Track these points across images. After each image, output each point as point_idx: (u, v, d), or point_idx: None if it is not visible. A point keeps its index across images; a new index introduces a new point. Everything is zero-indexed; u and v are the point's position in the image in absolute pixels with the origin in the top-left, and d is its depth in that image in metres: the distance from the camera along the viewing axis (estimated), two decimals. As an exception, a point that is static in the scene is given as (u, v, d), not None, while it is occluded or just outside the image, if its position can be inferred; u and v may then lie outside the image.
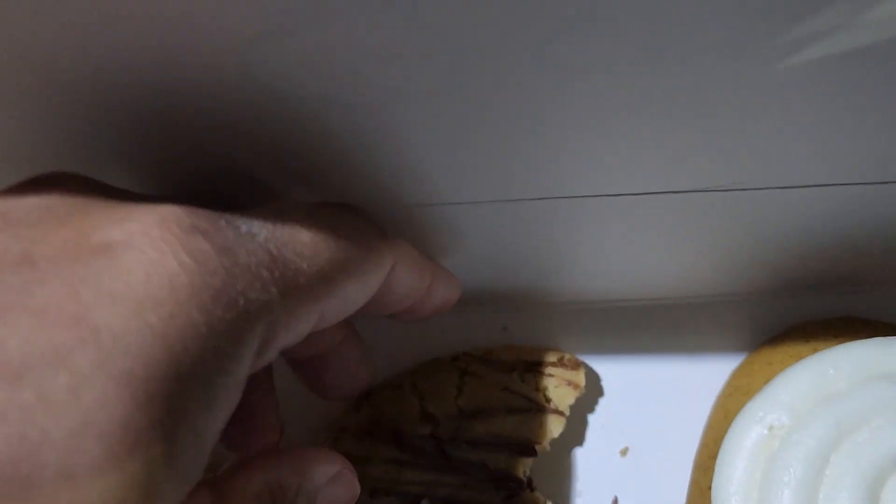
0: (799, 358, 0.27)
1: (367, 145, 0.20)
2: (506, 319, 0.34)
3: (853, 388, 0.25)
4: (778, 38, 0.16)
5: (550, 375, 0.31)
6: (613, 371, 0.33)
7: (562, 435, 0.30)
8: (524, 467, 0.30)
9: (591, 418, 0.33)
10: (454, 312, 0.34)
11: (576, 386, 0.31)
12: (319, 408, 0.32)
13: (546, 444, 0.30)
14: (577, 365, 0.32)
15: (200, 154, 0.22)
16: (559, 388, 0.31)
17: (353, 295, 0.20)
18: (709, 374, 0.32)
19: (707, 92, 0.18)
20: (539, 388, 0.31)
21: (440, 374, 0.31)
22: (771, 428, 0.26)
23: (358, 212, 0.22)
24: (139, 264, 0.14)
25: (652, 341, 0.33)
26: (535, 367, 0.31)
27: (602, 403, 0.33)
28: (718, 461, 0.26)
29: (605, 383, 0.33)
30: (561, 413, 0.31)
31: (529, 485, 0.30)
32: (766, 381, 0.27)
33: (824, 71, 0.17)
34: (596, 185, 0.23)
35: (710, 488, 0.26)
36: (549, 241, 0.28)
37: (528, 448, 0.30)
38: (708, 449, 0.30)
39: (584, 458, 0.33)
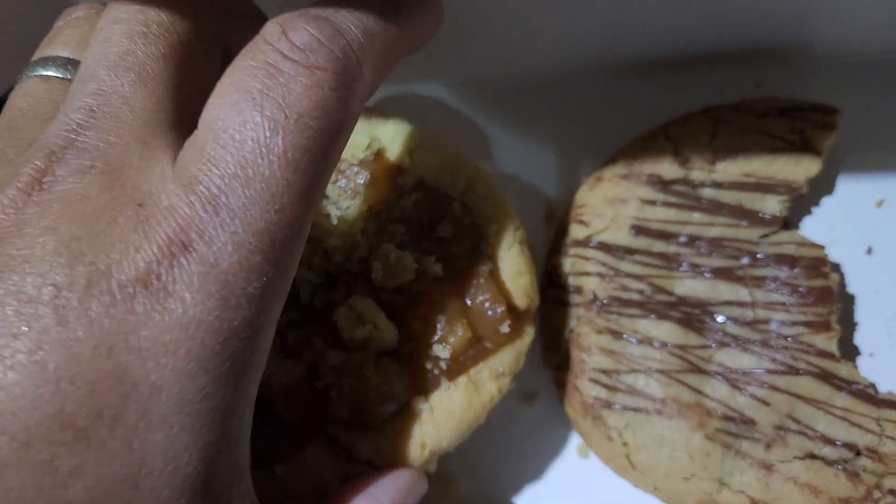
0: None
1: None
2: (758, 76, 0.34)
3: None
4: None
5: (806, 119, 0.31)
6: (869, 120, 0.33)
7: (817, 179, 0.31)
8: (782, 206, 0.31)
9: (846, 167, 0.33)
10: (704, 70, 0.35)
11: (832, 127, 0.31)
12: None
13: (804, 183, 0.31)
14: (833, 111, 0.32)
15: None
16: (815, 130, 0.31)
17: None
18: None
19: None
20: (795, 131, 0.31)
21: (692, 122, 0.33)
22: None
23: None
24: None
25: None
26: (789, 112, 0.32)
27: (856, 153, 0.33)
28: None
29: (857, 133, 0.33)
30: (818, 153, 0.31)
31: (787, 223, 0.31)
32: None
33: None
34: None
35: None
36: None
37: (784, 187, 0.31)
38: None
39: (838, 206, 0.33)
